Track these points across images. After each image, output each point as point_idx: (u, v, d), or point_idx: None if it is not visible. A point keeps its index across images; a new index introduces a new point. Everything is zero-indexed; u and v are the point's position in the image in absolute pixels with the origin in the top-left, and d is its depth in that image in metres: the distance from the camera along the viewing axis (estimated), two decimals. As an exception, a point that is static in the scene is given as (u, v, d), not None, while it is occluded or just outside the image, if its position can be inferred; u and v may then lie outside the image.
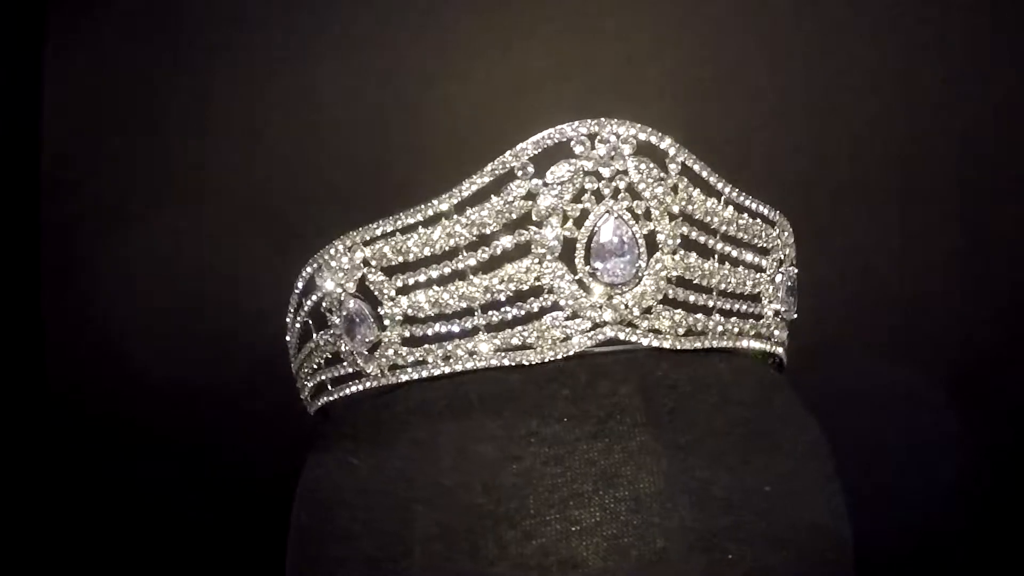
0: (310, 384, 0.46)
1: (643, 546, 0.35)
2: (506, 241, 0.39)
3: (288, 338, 0.48)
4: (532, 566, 0.35)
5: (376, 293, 0.41)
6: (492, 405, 0.38)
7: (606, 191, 0.39)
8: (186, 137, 0.82)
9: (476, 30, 0.81)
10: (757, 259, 0.44)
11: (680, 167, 0.41)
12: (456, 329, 0.40)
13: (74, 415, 0.85)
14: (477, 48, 0.81)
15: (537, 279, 0.39)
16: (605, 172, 0.39)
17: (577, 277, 0.39)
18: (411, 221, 0.40)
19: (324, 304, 0.43)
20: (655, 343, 0.40)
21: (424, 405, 0.40)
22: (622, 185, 0.39)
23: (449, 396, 0.39)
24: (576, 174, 0.39)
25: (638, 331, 0.40)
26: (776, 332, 0.45)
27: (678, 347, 0.41)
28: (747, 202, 0.44)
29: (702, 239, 0.42)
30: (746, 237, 0.44)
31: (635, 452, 0.37)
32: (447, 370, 0.40)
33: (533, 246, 0.39)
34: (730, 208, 0.43)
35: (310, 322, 0.45)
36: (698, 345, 0.41)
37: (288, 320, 0.47)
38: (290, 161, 0.82)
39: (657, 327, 0.40)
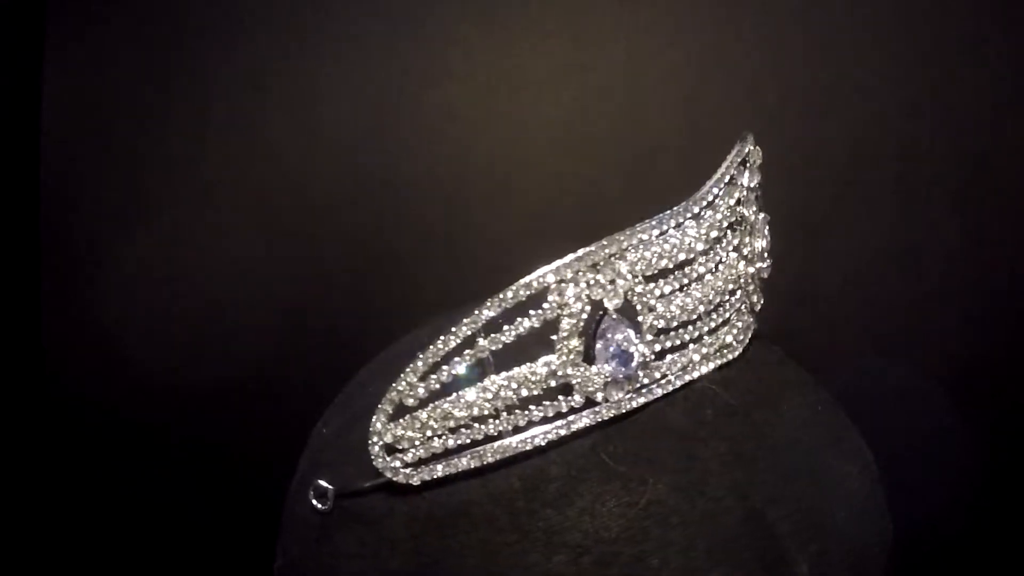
0: (449, 440, 0.37)
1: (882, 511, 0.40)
2: (728, 244, 0.39)
3: (409, 389, 0.36)
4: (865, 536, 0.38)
5: (638, 305, 0.36)
6: (757, 405, 0.38)
7: (752, 198, 0.41)
8: (186, 137, 0.82)
9: (476, 30, 0.81)
10: None
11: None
12: (697, 335, 0.38)
13: (74, 415, 0.85)
14: (477, 48, 0.81)
15: (739, 279, 0.40)
16: (758, 181, 0.41)
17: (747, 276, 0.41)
18: (666, 227, 0.37)
19: (566, 327, 0.35)
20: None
21: (692, 421, 0.37)
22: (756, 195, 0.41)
23: (712, 405, 0.38)
24: (756, 184, 0.40)
25: (756, 320, 0.42)
26: None
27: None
28: None
29: None
30: None
31: (841, 415, 0.41)
32: (682, 383, 0.38)
33: (744, 248, 0.40)
34: None
35: (491, 359, 0.36)
36: None
37: (429, 359, 0.36)
38: (290, 161, 0.82)
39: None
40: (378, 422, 0.37)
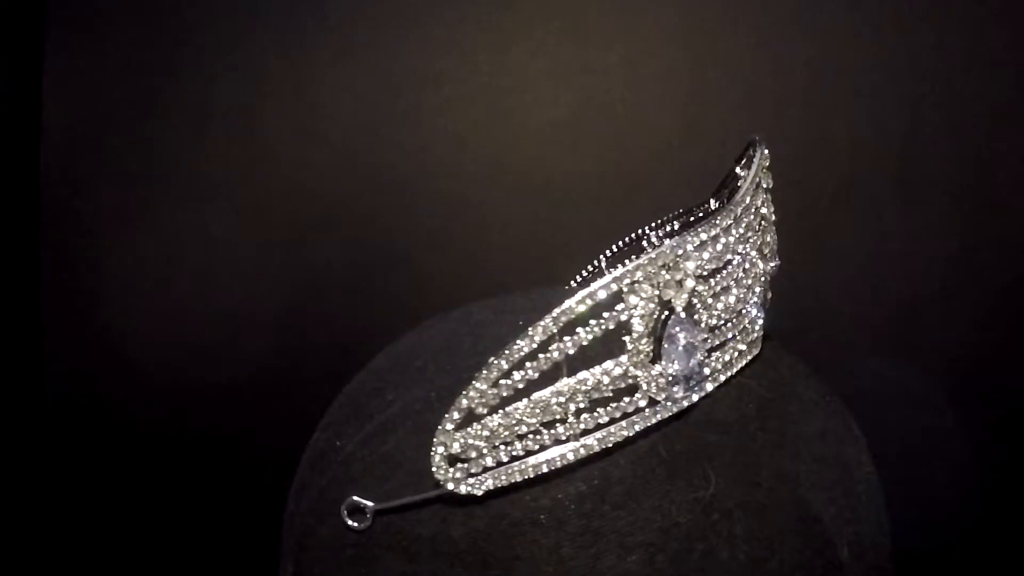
0: (518, 446, 0.36)
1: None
2: (754, 244, 0.40)
3: (480, 396, 0.35)
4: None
5: (698, 304, 0.37)
6: (783, 397, 0.40)
7: (769, 199, 0.41)
8: (186, 137, 0.82)
9: (476, 31, 0.81)
10: None
11: None
12: (737, 332, 0.39)
13: (73, 415, 0.85)
14: (477, 49, 0.81)
15: (759, 277, 0.40)
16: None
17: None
18: (717, 228, 0.37)
19: (638, 327, 0.35)
20: None
21: (738, 414, 0.38)
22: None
23: (752, 399, 0.39)
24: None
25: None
26: None
27: None
28: None
29: None
30: None
31: (842, 405, 0.43)
32: (725, 378, 0.39)
33: (764, 248, 0.40)
34: None
35: (563, 363, 0.36)
36: None
37: (503, 365, 0.35)
38: (290, 161, 0.82)
39: None
40: (443, 432, 0.35)
